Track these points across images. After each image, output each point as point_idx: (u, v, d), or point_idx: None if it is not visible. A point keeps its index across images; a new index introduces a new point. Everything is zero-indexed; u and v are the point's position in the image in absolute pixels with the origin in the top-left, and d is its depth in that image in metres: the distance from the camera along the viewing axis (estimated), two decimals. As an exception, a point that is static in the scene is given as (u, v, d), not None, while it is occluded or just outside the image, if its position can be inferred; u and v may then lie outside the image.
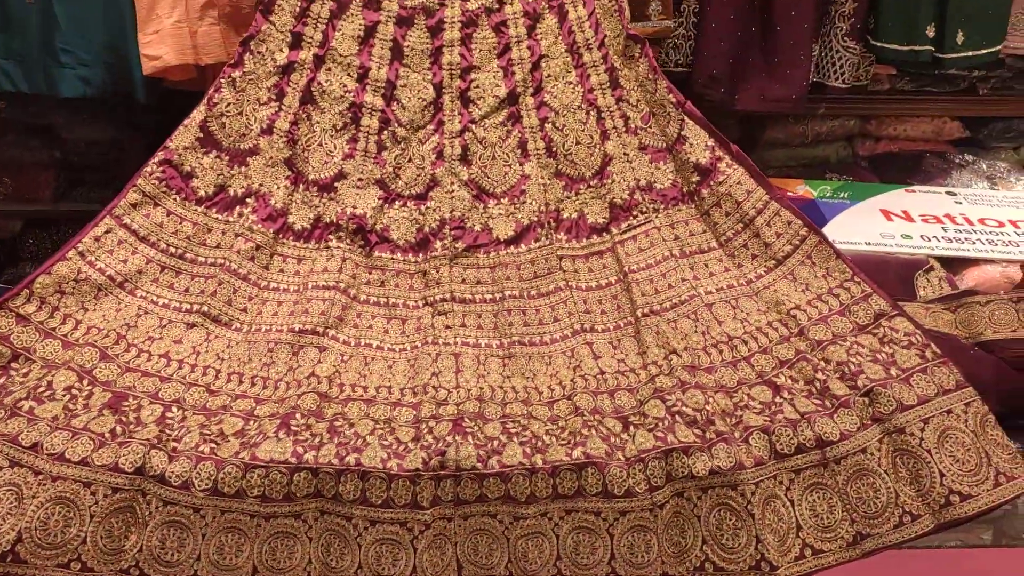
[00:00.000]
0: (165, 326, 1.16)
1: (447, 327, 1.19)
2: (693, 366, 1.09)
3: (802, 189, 1.89)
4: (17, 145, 1.99)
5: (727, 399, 1.04)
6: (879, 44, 1.72)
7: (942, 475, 0.96)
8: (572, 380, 1.11)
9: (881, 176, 2.11)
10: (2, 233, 2.10)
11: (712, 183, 1.29)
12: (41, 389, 1.04)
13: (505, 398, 1.09)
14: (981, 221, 1.73)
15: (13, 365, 1.08)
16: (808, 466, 0.98)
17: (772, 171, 2.11)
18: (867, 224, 1.70)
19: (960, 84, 2.03)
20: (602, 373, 1.12)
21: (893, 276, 1.49)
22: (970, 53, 1.74)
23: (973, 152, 2.13)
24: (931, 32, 1.70)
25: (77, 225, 2.16)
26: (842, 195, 1.85)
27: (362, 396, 1.09)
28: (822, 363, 1.06)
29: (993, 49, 1.76)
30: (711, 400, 1.03)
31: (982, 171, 2.08)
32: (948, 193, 1.90)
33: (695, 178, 1.30)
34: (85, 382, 1.06)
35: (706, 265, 1.25)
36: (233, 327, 1.18)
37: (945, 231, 1.69)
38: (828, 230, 1.62)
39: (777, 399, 1.03)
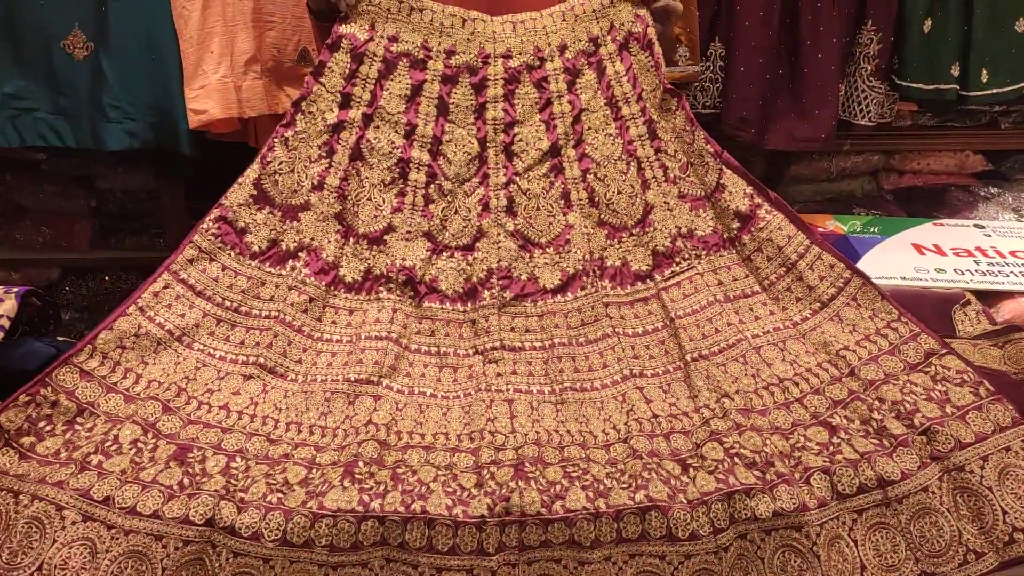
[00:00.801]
0: (223, 378, 1.21)
1: (498, 375, 1.23)
2: (746, 409, 1.12)
3: (832, 225, 1.93)
4: (56, 195, 2.08)
5: (783, 441, 1.07)
6: (905, 84, 1.79)
7: (1004, 512, 0.98)
8: (626, 424, 1.14)
9: (907, 210, 2.16)
10: (40, 280, 2.17)
11: (753, 229, 1.34)
12: (108, 443, 1.08)
13: (562, 442, 1.12)
14: (1012, 254, 1.77)
15: (79, 420, 1.12)
16: (871, 506, 1.00)
17: (798, 206, 2.18)
18: (900, 258, 1.74)
19: (982, 119, 2.09)
20: (655, 417, 1.15)
21: (930, 311, 1.52)
22: (995, 91, 1.80)
23: (996, 184, 2.18)
24: (955, 71, 1.77)
25: (111, 272, 2.25)
26: (872, 230, 1.89)
27: (420, 443, 1.13)
28: (876, 402, 1.10)
29: (1018, 86, 1.82)
30: (768, 442, 1.06)
31: (1008, 203, 2.12)
32: (976, 226, 1.94)
33: (735, 224, 1.35)
34: (150, 435, 1.10)
35: (751, 309, 1.29)
36: (288, 378, 1.22)
37: (978, 264, 1.72)
38: (862, 266, 1.66)
39: (834, 439, 1.06)
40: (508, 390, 1.20)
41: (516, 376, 1.23)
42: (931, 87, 1.78)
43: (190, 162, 1.84)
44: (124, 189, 2.17)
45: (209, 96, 1.66)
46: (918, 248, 1.79)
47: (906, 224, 1.92)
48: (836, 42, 1.72)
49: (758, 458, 1.03)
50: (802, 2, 1.71)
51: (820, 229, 1.88)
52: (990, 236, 1.87)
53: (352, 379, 1.20)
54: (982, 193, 2.10)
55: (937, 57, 1.76)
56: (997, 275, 1.66)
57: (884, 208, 2.09)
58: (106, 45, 1.63)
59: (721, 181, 1.37)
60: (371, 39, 1.37)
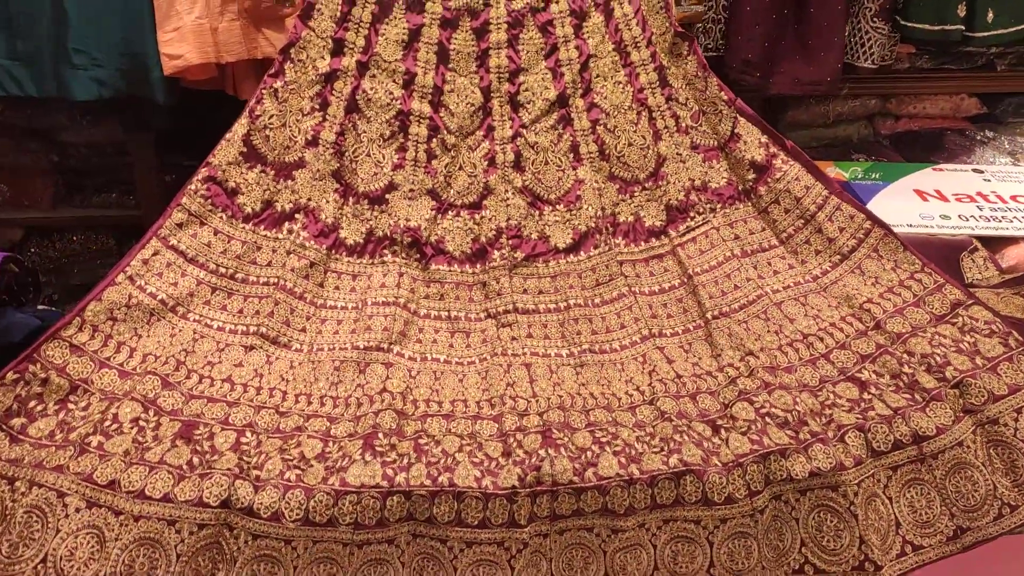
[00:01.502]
0: (223, 350, 1.15)
1: (513, 339, 1.19)
2: (772, 367, 1.11)
3: (833, 171, 1.92)
4: (13, 150, 1.95)
5: (813, 398, 1.07)
6: (910, 24, 1.76)
7: None
8: (650, 385, 1.12)
9: (904, 155, 2.15)
10: (1, 241, 2.06)
11: (769, 180, 1.31)
12: (107, 423, 1.02)
13: (586, 405, 1.10)
14: (1013, 198, 1.78)
15: (72, 398, 1.06)
16: (905, 462, 1.01)
17: None
18: (904, 205, 1.73)
19: (978, 61, 2.07)
20: (679, 377, 1.14)
21: (937, 258, 1.52)
22: (1000, 31, 1.78)
23: (991, 128, 2.18)
24: (961, 11, 1.74)
25: (79, 232, 2.14)
26: (873, 176, 1.88)
27: (439, 412, 1.10)
28: (905, 356, 1.09)
29: (1022, 27, 1.80)
30: (799, 400, 1.05)
31: (1004, 147, 2.13)
32: (975, 171, 1.94)
33: (751, 176, 1.32)
34: (151, 412, 1.05)
35: (769, 263, 1.27)
36: (293, 348, 1.18)
37: (980, 210, 1.73)
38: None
39: (865, 395, 1.06)
40: (525, 354, 1.17)
41: (532, 340, 1.20)
42: (937, 28, 1.75)
43: (163, 112, 1.73)
44: (88, 142, 2.06)
45: (184, 39, 1.55)
46: (920, 194, 1.79)
47: (906, 170, 1.92)
48: (843, -19, 1.67)
49: (790, 417, 1.02)
50: (810, -63, 1.65)
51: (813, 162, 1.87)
52: (989, 181, 1.87)
53: (361, 347, 1.16)
54: (978, 137, 2.10)
55: (944, -4, 1.72)
56: (1000, 220, 1.67)
57: (882, 153, 2.08)
58: (70, -19, 1.50)
59: (735, 130, 1.33)
60: None
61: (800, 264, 1.27)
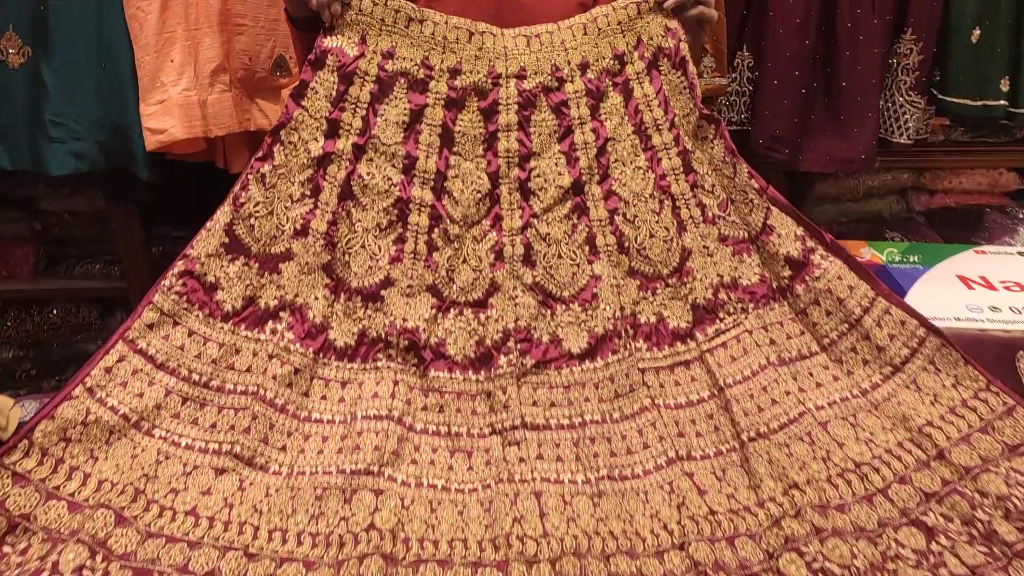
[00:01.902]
0: (190, 473, 1.02)
1: (521, 460, 1.06)
2: (822, 505, 0.97)
3: (868, 252, 1.80)
4: (-8, 217, 1.88)
5: (872, 548, 0.92)
6: (949, 99, 1.66)
7: None
8: (680, 523, 0.98)
9: (941, 233, 2.05)
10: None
11: (807, 278, 1.19)
12: (45, 574, 0.88)
13: (606, 548, 0.95)
14: (1067, 286, 1.65)
15: (8, 539, 0.93)
16: None
17: (822, 226, 2.04)
18: (947, 294, 1.61)
19: (1016, 134, 1.98)
20: (712, 513, 0.99)
21: (992, 359, 1.38)
22: (1048, 106, 1.68)
23: (1031, 204, 2.07)
24: (1005, 85, 1.64)
25: (60, 304, 2.04)
26: (911, 259, 1.76)
27: (434, 555, 0.95)
28: (977, 497, 0.95)
29: (1071, 101, 1.70)
30: (856, 551, 0.90)
31: (1048, 227, 2.01)
32: (1021, 254, 1.82)
33: (786, 273, 1.20)
34: (99, 558, 0.91)
35: (811, 374, 1.14)
36: (271, 470, 1.04)
37: (1033, 300, 1.60)
38: (909, 302, 1.53)
39: (933, 546, 0.91)
40: (535, 480, 1.03)
41: (542, 461, 1.06)
42: (978, 103, 1.65)
43: (147, 185, 1.64)
44: (71, 210, 1.97)
45: (169, 112, 1.46)
46: (964, 281, 1.66)
47: (947, 252, 1.80)
48: (877, 52, 1.58)
49: (848, 575, 0.87)
50: (840, 8, 1.56)
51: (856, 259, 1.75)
52: (1038, 266, 1.75)
53: (348, 471, 1.03)
54: (1021, 216, 1.98)
55: (986, 70, 1.62)
56: (1057, 313, 1.54)
57: (917, 232, 1.97)
58: (46, 50, 1.42)
59: (768, 222, 1.22)
60: (362, 55, 1.18)
61: (846, 376, 1.14)
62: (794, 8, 1.55)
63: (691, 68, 1.24)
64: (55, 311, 2.07)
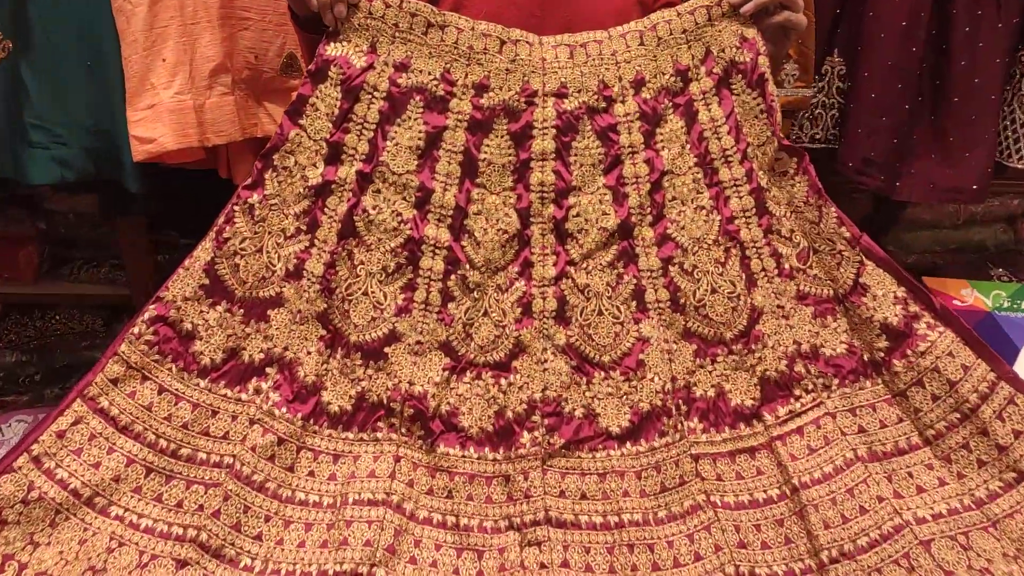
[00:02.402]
0: (147, 565, 0.89)
1: (542, 566, 0.90)
2: (925, 664, 0.77)
3: (969, 295, 1.58)
4: (-6, 217, 1.81)
5: None
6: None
7: None
8: (737, 671, 0.79)
9: (1058, 272, 1.79)
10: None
11: (909, 352, 0.99)
12: None
13: None
14: None
15: None
16: None
17: (913, 257, 1.89)
18: (1073, 353, 1.38)
19: None
20: (779, 660, 0.81)
21: None
22: None
23: None
24: None
25: (63, 310, 1.97)
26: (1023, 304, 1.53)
27: None
28: None
29: None
30: None
31: None
32: None
33: (882, 344, 1.00)
34: None
35: (910, 474, 0.95)
36: (241, 564, 0.91)
37: None
38: (1021, 361, 1.31)
39: None
40: (557, 596, 0.87)
41: (568, 571, 0.90)
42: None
43: (143, 196, 1.51)
44: (76, 211, 1.89)
45: (159, 119, 1.33)
46: (1093, 335, 1.43)
47: (1068, 296, 1.56)
48: (999, 63, 1.36)
49: None
50: (956, 9, 1.34)
51: (956, 302, 1.53)
52: None
53: (331, 572, 0.87)
54: None
55: None
56: None
57: (1027, 267, 1.73)
58: (27, 45, 1.30)
59: (860, 279, 1.02)
60: (371, 66, 1.02)
61: (956, 479, 0.94)
62: (899, 7, 1.33)
63: (770, 88, 1.04)
64: (57, 316, 2.01)
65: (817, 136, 1.51)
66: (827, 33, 1.41)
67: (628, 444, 0.98)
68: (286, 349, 1.02)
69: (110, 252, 1.93)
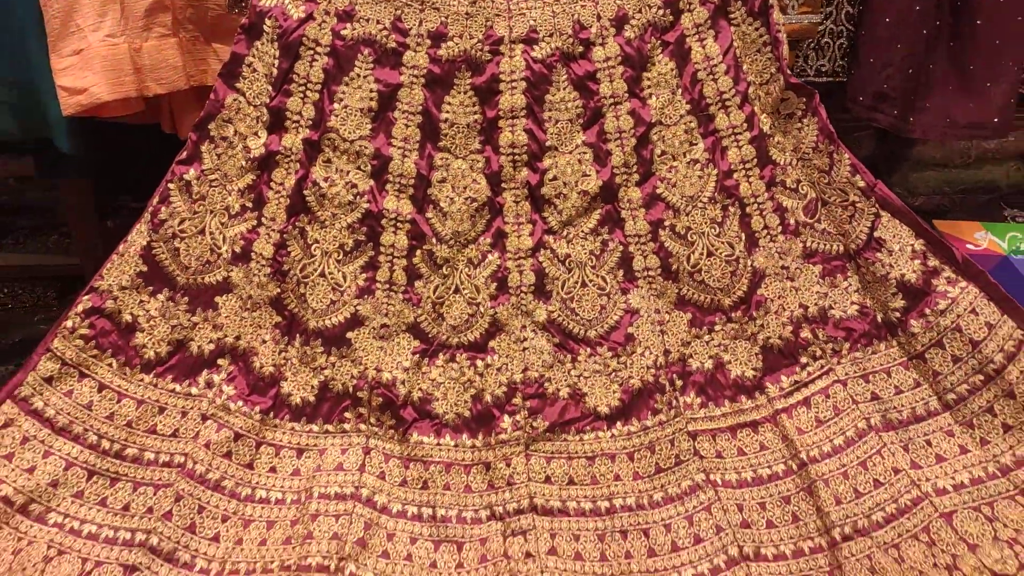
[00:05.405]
0: (90, 573, 0.95)
1: (528, 555, 0.96)
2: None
3: (983, 239, 1.64)
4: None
5: None
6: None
7: None
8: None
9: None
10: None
11: (928, 311, 1.05)
12: None
13: None
14: None
15: None
16: None
17: (921, 199, 1.98)
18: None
19: None
20: (788, 647, 0.87)
21: None
22: None
23: None
24: None
25: (9, 284, 2.05)
26: (1041, 247, 1.60)
27: None
28: None
29: None
30: None
31: None
32: None
33: (898, 303, 1.06)
34: None
35: (929, 442, 1.01)
36: (197, 567, 0.97)
37: None
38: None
39: None
40: (545, 589, 0.93)
41: (556, 559, 0.96)
42: None
43: (81, 157, 1.56)
44: (15, 174, 1.96)
45: (89, 66, 1.33)
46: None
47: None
48: (1028, -17, 1.41)
49: None
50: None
51: (969, 246, 1.59)
52: None
53: (294, 565, 0.94)
54: None
55: None
56: None
57: (1045, 209, 1.82)
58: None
59: (875, 233, 1.08)
60: (310, 17, 1.07)
61: (979, 446, 1.00)
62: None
63: (775, 16, 1.09)
64: (4, 291, 2.10)
65: (823, 68, 1.56)
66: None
67: (618, 424, 1.05)
68: (238, 338, 1.08)
69: (59, 220, 2.01)
